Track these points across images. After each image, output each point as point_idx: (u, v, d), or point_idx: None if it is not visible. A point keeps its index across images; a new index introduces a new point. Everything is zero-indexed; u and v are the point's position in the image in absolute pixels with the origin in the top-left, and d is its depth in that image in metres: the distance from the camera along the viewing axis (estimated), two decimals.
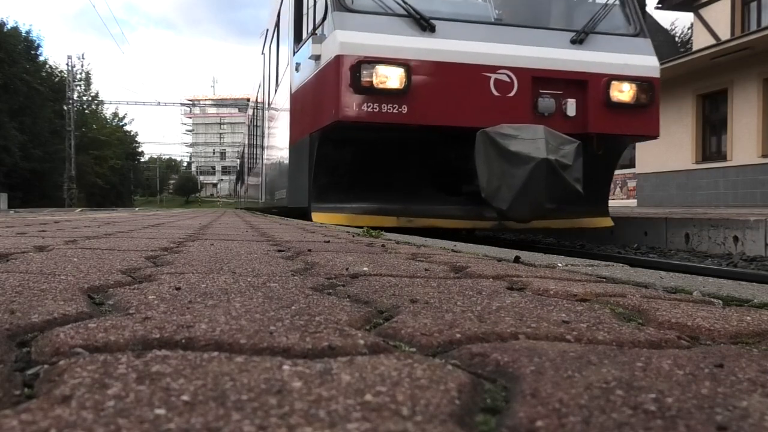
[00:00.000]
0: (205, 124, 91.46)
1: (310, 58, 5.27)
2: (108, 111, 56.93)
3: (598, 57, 5.25)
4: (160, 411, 0.43)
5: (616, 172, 7.30)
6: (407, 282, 1.19)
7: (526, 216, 4.76)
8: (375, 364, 0.56)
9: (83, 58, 71.56)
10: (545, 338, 0.71)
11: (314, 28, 5.31)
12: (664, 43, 17.87)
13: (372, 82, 4.62)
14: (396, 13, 4.88)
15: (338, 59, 4.69)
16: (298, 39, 6.28)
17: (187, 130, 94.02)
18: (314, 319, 0.77)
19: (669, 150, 12.89)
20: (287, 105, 6.81)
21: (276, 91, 8.41)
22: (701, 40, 14.04)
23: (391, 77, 4.67)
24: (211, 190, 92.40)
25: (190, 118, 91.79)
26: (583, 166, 4.59)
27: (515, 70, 4.97)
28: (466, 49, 4.90)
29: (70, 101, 38.89)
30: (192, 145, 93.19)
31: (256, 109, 13.90)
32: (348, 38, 4.73)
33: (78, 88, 44.37)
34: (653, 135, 5.56)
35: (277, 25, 8.12)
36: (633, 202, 15.40)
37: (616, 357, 0.61)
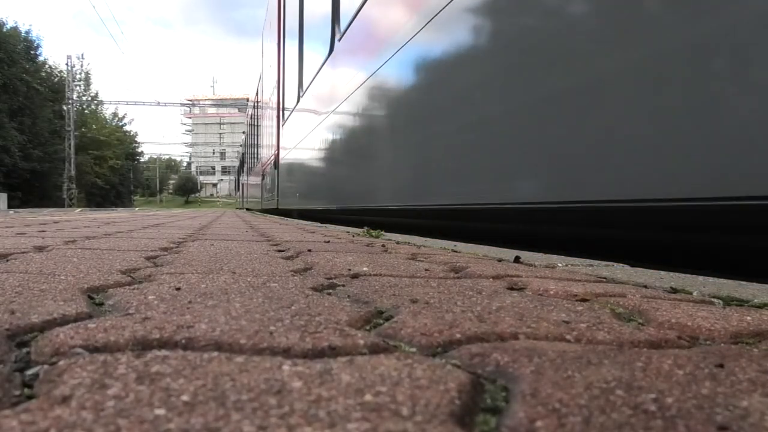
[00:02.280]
0: (205, 124, 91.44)
1: None
2: (108, 111, 57.00)
3: None
4: (160, 411, 0.43)
5: None
6: (407, 282, 1.19)
7: None
8: (375, 364, 0.56)
9: (83, 58, 71.70)
10: (545, 338, 0.71)
11: None
12: None
13: None
14: None
15: None
16: None
17: (186, 130, 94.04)
18: (314, 319, 0.77)
19: None
20: None
21: None
22: None
23: None
24: (210, 190, 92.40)
25: (190, 118, 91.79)
26: None
27: None
28: None
29: (70, 101, 38.92)
30: (192, 145, 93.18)
31: None
32: None
33: (77, 88, 44.40)
34: None
35: None
36: None
37: (616, 357, 0.61)
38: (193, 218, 6.92)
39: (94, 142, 46.81)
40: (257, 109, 16.65)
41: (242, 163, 28.84)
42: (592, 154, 1.87)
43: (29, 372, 0.53)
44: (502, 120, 2.41)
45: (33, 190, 34.59)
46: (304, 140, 7.24)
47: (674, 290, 1.15)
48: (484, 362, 0.58)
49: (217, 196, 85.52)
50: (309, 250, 2.00)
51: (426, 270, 1.45)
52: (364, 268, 1.44)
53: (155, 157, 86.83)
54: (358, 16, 4.49)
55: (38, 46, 38.48)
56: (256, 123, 16.90)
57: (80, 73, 45.88)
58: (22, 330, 0.68)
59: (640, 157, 1.63)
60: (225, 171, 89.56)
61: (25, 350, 0.60)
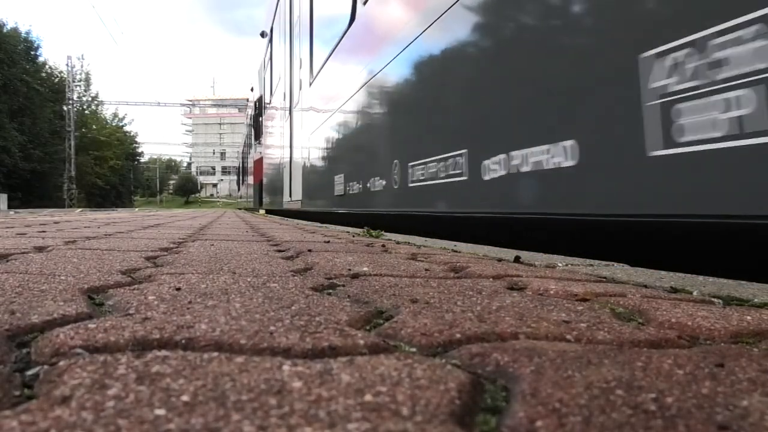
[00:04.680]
0: (205, 124, 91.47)
1: None
2: (108, 111, 57.10)
3: None
4: (160, 411, 0.43)
5: None
6: (407, 282, 1.19)
7: None
8: (375, 364, 0.56)
9: (83, 59, 71.85)
10: (545, 338, 0.71)
11: None
12: None
13: None
14: None
15: None
16: None
17: (187, 131, 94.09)
18: (314, 320, 0.77)
19: None
20: None
21: None
22: None
23: None
24: (210, 191, 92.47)
25: (190, 118, 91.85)
26: None
27: None
28: None
29: (70, 102, 38.97)
30: (192, 145, 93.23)
31: None
32: None
33: (78, 88, 44.43)
34: None
35: None
36: None
37: (616, 357, 0.61)
38: (193, 218, 6.92)
39: (95, 142, 46.85)
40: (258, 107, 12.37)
41: (256, 126, 15.16)
42: None
43: (29, 372, 0.53)
44: None
45: (33, 191, 34.62)
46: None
47: (674, 290, 1.15)
48: (484, 362, 0.58)
49: (217, 197, 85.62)
50: (309, 250, 2.00)
51: (426, 270, 1.44)
52: (364, 268, 1.44)
53: (155, 157, 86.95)
54: None
55: (38, 47, 38.64)
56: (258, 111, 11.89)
57: (80, 74, 45.92)
58: (22, 330, 0.68)
59: None
60: (225, 171, 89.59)
61: (25, 351, 0.60)
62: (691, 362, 0.60)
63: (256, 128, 14.89)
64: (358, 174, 4.65)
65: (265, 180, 12.64)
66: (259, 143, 14.05)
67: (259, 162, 14.14)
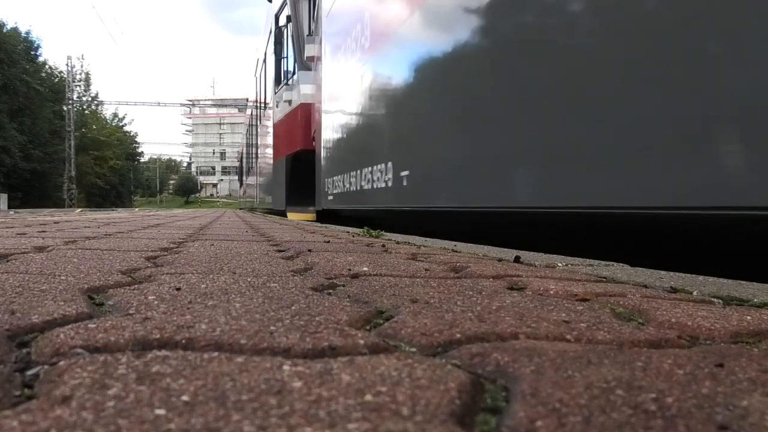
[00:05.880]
0: (205, 124, 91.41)
1: None
2: (108, 111, 57.06)
3: None
4: (160, 411, 0.43)
5: None
6: (407, 282, 1.19)
7: None
8: (375, 364, 0.56)
9: (83, 59, 71.89)
10: (545, 338, 0.71)
11: None
12: None
13: None
14: None
15: None
16: None
17: (186, 131, 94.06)
18: (314, 319, 0.77)
19: None
20: None
21: None
22: None
23: None
24: (210, 191, 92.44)
25: (190, 118, 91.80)
26: None
27: None
28: None
29: (70, 102, 38.96)
30: (192, 145, 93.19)
31: None
32: None
33: (78, 88, 44.38)
34: None
35: None
36: None
37: (616, 357, 0.61)
38: (193, 218, 6.92)
39: (95, 142, 46.82)
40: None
41: (278, 51, 8.64)
42: None
43: (29, 372, 0.53)
44: None
45: (33, 191, 34.61)
46: None
47: (674, 290, 1.15)
48: (484, 362, 0.58)
49: (217, 197, 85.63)
50: (309, 250, 2.00)
51: (426, 270, 1.44)
52: (365, 268, 1.44)
53: (155, 157, 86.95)
54: None
55: (38, 47, 38.67)
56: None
57: (80, 74, 45.88)
58: (22, 330, 0.68)
59: None
60: (225, 171, 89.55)
61: (25, 350, 0.60)
62: (691, 362, 0.60)
63: (279, 57, 8.66)
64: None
65: (329, 137, 6.13)
66: (290, 82, 7.98)
67: (299, 113, 7.46)
